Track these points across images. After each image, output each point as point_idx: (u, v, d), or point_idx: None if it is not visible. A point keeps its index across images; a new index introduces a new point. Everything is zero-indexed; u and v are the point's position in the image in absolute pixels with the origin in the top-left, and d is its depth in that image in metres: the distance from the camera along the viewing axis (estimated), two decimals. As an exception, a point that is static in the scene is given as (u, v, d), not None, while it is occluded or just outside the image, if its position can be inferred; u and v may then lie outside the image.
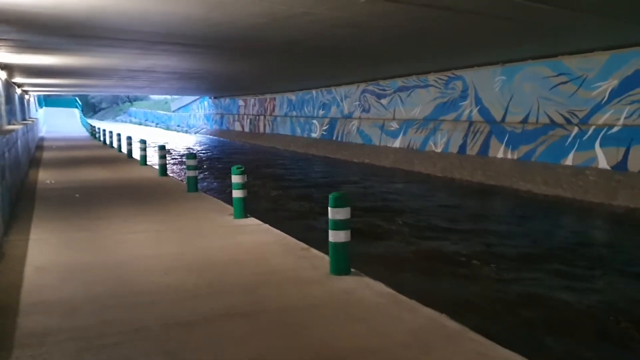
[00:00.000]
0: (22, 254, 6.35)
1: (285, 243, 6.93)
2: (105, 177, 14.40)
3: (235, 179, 8.49)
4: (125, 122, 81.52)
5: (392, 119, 22.59)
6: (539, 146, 15.45)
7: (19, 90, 23.54)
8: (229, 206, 9.57)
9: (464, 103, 18.89)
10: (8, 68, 15.12)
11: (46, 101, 61.16)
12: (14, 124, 16.14)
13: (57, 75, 20.04)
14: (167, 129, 62.38)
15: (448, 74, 19.62)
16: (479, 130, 17.87)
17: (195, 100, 55.29)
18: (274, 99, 35.59)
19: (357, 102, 25.48)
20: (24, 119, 24.66)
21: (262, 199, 14.09)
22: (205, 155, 28.33)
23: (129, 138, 20.98)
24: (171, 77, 22.71)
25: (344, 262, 5.48)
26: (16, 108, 20.78)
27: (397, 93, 22.41)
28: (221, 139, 42.57)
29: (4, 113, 14.30)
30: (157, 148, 14.76)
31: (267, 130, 36.34)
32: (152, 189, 12.15)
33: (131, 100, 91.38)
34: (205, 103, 51.64)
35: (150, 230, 7.68)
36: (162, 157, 14.64)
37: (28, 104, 32.41)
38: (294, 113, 32.49)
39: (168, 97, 75.85)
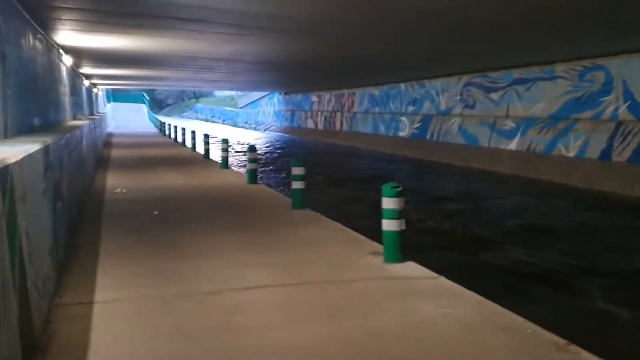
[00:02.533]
0: (82, 341, 3.76)
1: (508, 326, 4.06)
2: (184, 183, 11.98)
3: (389, 203, 5.69)
4: (192, 118, 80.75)
5: (505, 117, 19.32)
6: None
7: (86, 82, 21.73)
8: (362, 237, 6.86)
9: (606, 98, 15.47)
10: (74, 53, 12.92)
11: (114, 96, 60.77)
12: (79, 119, 14.01)
13: (128, 63, 17.88)
14: (235, 126, 60.68)
15: (584, 63, 16.23)
16: (631, 132, 14.43)
17: (264, 96, 53.25)
18: (353, 94, 32.77)
19: (459, 97, 22.30)
20: (92, 114, 22.88)
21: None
22: (280, 153, 25.79)
23: (206, 136, 18.67)
24: (251, 68, 20.26)
25: None
26: (83, 101, 18.85)
27: (513, 86, 19.13)
28: (292, 136, 40.13)
29: (68, 106, 12.10)
30: (248, 150, 12.23)
31: (345, 128, 33.56)
32: (246, 203, 9.56)
33: (197, 96, 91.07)
34: (275, 99, 49.43)
35: (273, 285, 4.98)
36: (253, 160, 12.07)
37: (96, 98, 30.95)
38: (377, 109, 29.56)
39: (234, 93, 74.74)
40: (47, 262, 4.33)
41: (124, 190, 10.55)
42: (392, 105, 27.94)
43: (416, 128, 25.18)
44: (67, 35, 10.58)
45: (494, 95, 20.06)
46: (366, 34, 11.37)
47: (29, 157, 3.82)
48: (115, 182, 11.93)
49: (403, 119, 26.53)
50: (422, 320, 4.19)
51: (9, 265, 2.89)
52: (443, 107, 23.39)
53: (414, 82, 25.77)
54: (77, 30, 10.14)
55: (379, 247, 6.26)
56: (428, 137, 23.98)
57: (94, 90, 28.77)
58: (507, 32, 11.62)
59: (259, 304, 4.50)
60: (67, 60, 12.23)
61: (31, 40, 7.37)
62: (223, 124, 66.56)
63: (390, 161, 22.57)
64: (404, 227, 5.72)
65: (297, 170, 8.87)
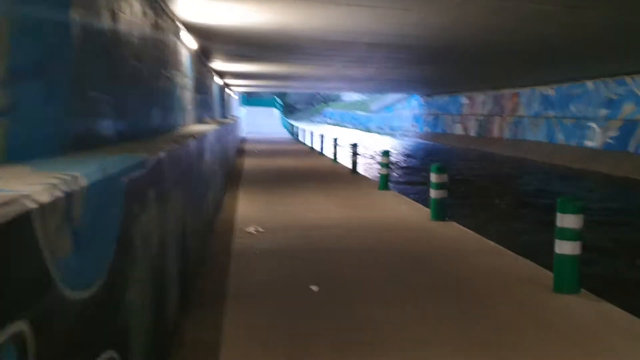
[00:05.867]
0: None
1: None
2: (341, 217, 8.34)
3: None
4: (321, 123, 78.71)
5: None
6: None
7: (219, 81, 19.09)
8: None
9: None
10: (200, 32, 9.70)
11: (247, 100, 59.88)
12: (205, 122, 10.94)
13: (267, 53, 14.52)
14: (367, 131, 57.19)
15: None
16: None
17: (401, 99, 49.16)
18: (517, 94, 27.71)
19: (683, 97, 16.82)
20: (224, 117, 20.25)
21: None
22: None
23: (354, 146, 15.05)
24: (409, 60, 16.25)
25: None
26: (213, 102, 16.03)
27: None
28: (436, 143, 35.66)
29: (189, 105, 8.94)
30: (434, 170, 8.26)
31: (506, 134, 28.55)
32: (458, 267, 5.62)
33: (326, 101, 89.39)
34: (414, 102, 45.14)
35: None
36: (441, 186, 8.13)
37: (230, 100, 28.73)
38: (552, 113, 24.35)
39: (364, 97, 71.41)
40: None
41: (260, 230, 7.10)
42: (574, 108, 22.65)
43: (612, 137, 19.82)
44: (187, 2, 7.35)
45: None
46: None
47: None
48: (247, 211, 8.60)
49: (592, 125, 21.20)
50: None
51: None
52: (655, 110, 17.94)
53: (607, 78, 20.41)
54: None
55: None
56: (631, 148, 18.60)
57: (227, 91, 26.48)
58: None
59: None
60: (190, 41, 9.07)
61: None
62: (354, 129, 63.42)
63: (586, 179, 17.55)
64: None
65: (568, 221, 4.78)
